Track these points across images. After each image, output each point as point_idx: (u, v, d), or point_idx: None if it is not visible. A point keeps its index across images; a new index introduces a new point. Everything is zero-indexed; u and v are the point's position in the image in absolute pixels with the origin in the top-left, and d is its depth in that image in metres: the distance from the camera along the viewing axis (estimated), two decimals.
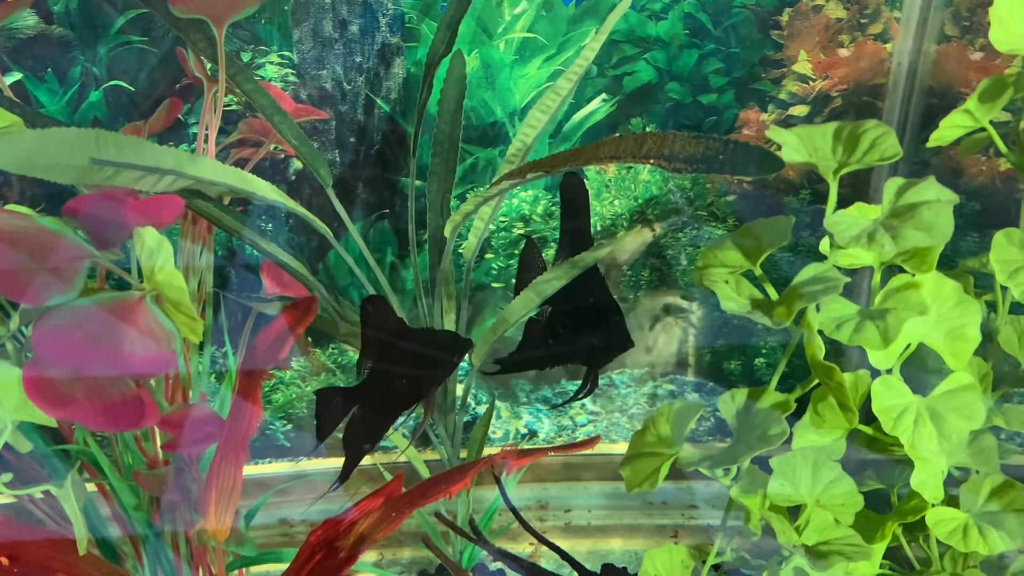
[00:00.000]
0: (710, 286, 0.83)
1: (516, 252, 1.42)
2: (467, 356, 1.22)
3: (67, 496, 0.82)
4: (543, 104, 1.05)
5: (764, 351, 1.45)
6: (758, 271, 0.85)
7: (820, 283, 0.79)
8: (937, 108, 1.28)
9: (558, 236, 1.43)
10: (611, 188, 1.39)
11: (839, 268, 0.84)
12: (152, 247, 0.83)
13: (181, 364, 1.10)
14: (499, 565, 1.32)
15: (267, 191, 0.97)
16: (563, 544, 1.43)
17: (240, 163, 1.20)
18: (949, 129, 0.90)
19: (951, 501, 0.95)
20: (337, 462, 1.51)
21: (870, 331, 0.82)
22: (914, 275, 0.86)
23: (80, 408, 0.79)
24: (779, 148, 0.81)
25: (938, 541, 0.97)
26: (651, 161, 0.84)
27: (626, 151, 0.86)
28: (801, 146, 0.79)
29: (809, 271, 0.81)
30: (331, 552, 0.93)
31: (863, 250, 0.80)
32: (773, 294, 0.84)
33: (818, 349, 0.84)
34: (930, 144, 0.91)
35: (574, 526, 1.46)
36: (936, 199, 0.75)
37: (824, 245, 0.86)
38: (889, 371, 0.88)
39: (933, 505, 0.92)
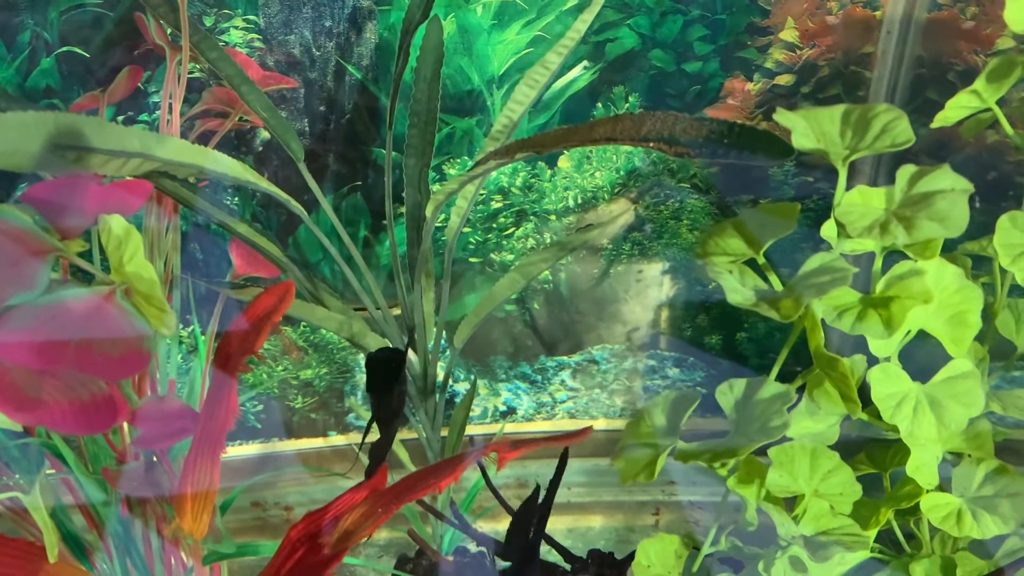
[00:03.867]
0: (715, 277, 0.80)
1: (494, 225, 1.38)
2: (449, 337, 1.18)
3: (36, 505, 0.77)
4: (530, 79, 1.00)
5: (746, 325, 1.43)
6: (761, 259, 0.82)
7: (827, 274, 0.76)
8: (927, 78, 1.26)
9: (537, 210, 1.39)
10: (592, 159, 1.35)
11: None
12: (120, 236, 0.77)
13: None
14: (481, 547, 1.29)
15: (239, 171, 0.91)
16: None
17: (206, 135, 1.13)
18: (955, 110, 0.87)
19: (942, 484, 0.95)
20: (305, 443, 1.48)
21: (873, 320, 0.79)
22: (917, 261, 0.84)
23: (47, 412, 0.74)
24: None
25: (929, 524, 0.97)
26: (651, 144, 0.80)
27: (623, 132, 0.82)
28: (809, 131, 0.76)
29: (815, 261, 0.78)
30: (314, 548, 0.89)
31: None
32: (777, 284, 0.81)
33: (821, 339, 0.81)
34: (934, 125, 0.88)
35: (554, 503, 1.44)
36: (951, 188, 0.72)
37: (827, 231, 0.83)
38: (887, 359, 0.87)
39: (928, 491, 0.92)
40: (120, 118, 1.21)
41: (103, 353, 0.72)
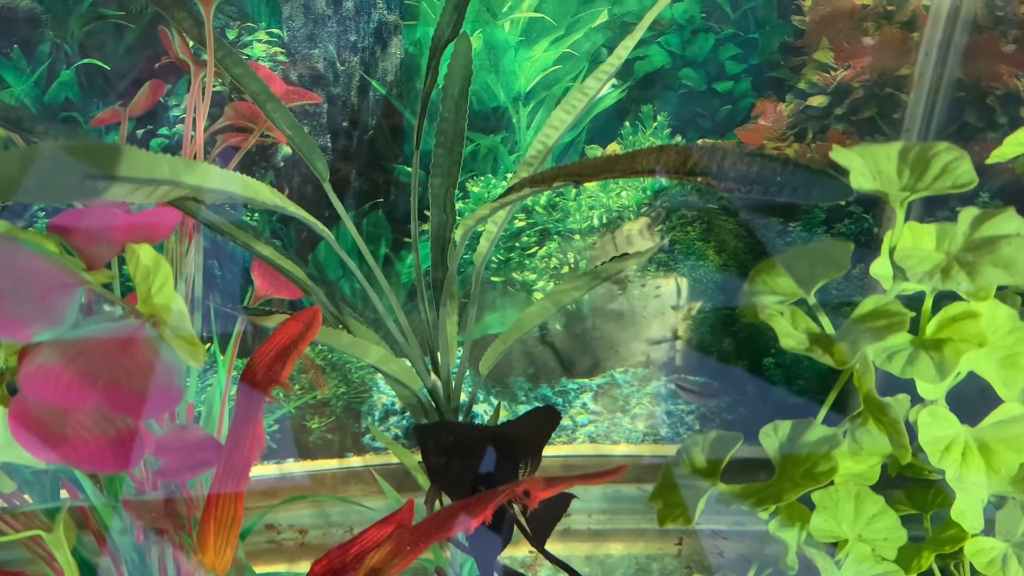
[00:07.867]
0: (766, 320, 0.77)
1: (516, 244, 1.35)
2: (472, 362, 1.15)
3: (59, 543, 0.74)
4: (568, 104, 0.97)
5: (773, 350, 1.40)
6: (812, 299, 0.79)
7: (883, 318, 0.74)
8: (965, 102, 1.23)
9: (560, 229, 1.36)
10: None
11: None
12: (148, 266, 0.74)
13: None
14: None
15: (268, 196, 0.88)
16: (560, 549, 1.39)
17: (229, 151, 1.11)
18: (1012, 146, 0.84)
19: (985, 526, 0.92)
20: (321, 464, 1.45)
21: (924, 363, 0.77)
22: (969, 301, 0.81)
23: (72, 449, 0.71)
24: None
25: (972, 567, 0.94)
26: (698, 179, 0.77)
27: (668, 164, 0.78)
28: (866, 169, 0.73)
29: (869, 304, 0.75)
30: None
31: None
32: (828, 327, 0.78)
33: (872, 383, 0.79)
34: (990, 161, 0.85)
35: (573, 530, 1.41)
36: (1017, 233, 0.69)
37: (878, 270, 0.81)
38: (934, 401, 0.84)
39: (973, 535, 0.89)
40: (139, 132, 1.18)
41: (133, 390, 0.70)
